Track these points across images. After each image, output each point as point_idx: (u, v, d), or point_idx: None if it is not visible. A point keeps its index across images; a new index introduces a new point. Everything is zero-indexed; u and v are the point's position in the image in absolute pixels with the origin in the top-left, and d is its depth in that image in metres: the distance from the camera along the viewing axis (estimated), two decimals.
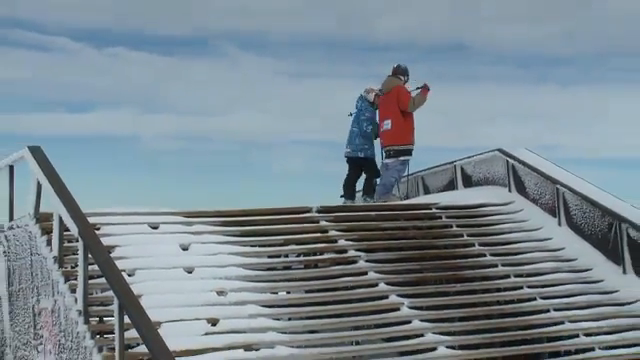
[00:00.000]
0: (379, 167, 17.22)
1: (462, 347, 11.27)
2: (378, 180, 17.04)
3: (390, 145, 16.48)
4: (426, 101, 16.68)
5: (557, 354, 11.51)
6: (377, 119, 17.08)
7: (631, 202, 13.75)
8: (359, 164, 17.03)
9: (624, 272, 13.17)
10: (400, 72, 16.93)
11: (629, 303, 12.63)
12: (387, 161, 16.55)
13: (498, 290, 12.72)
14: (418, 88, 16.65)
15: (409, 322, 11.59)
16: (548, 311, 12.25)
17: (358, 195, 17.81)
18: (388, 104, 16.58)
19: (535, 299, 12.51)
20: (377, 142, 17.18)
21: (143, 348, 9.35)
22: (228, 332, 10.75)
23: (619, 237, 13.31)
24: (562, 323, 12.02)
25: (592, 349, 11.57)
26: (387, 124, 16.46)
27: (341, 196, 17.21)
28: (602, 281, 13.11)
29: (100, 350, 10.01)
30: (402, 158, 16.57)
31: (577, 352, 11.54)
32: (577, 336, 11.79)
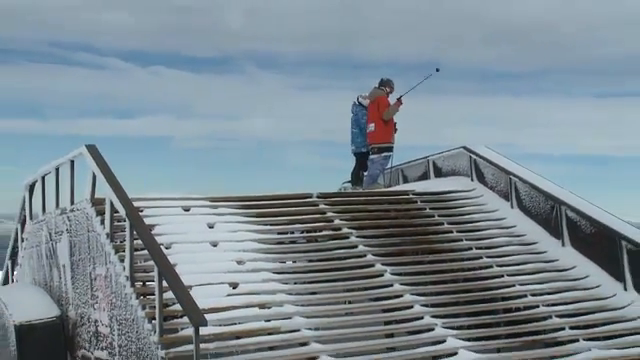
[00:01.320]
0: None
1: (433, 305, 11.33)
2: (366, 172, 17.03)
3: (374, 143, 16.50)
4: (398, 111, 16.70)
5: (509, 310, 11.53)
6: None
7: (569, 189, 13.78)
8: (363, 158, 17.04)
9: (563, 245, 13.21)
10: (383, 84, 16.91)
11: (566, 269, 12.70)
12: (372, 156, 16.57)
13: (462, 260, 12.74)
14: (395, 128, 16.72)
15: (391, 285, 11.67)
16: (502, 276, 12.30)
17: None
18: (372, 110, 16.58)
19: (492, 267, 12.56)
20: None
21: (177, 307, 9.43)
22: (246, 294, 10.85)
23: (559, 217, 13.35)
24: (513, 286, 12.07)
25: (537, 306, 11.58)
26: (371, 127, 16.48)
27: (348, 181, 17.19)
28: (545, 252, 13.16)
29: (143, 308, 10.09)
30: (384, 154, 16.59)
31: (525, 309, 11.55)
32: (525, 296, 11.82)
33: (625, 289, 12.06)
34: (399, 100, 16.70)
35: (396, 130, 16.69)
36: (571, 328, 11.17)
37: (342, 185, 17.14)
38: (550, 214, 13.61)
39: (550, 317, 11.38)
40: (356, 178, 16.99)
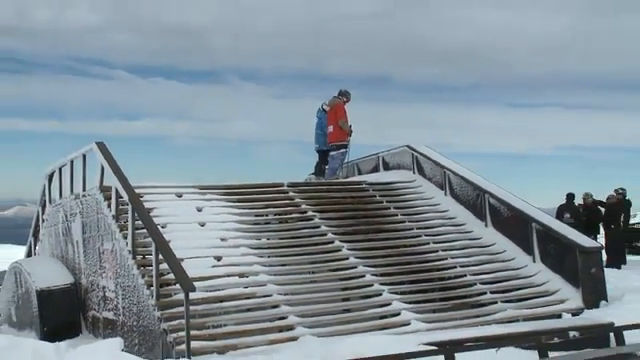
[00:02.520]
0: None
1: (382, 275, 11.39)
2: (327, 166, 17.02)
3: (333, 142, 16.46)
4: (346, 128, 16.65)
5: (443, 278, 11.61)
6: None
7: (492, 180, 13.88)
8: (325, 154, 17.00)
9: (486, 226, 13.28)
10: (342, 94, 16.84)
11: (488, 246, 12.80)
12: (332, 153, 16.52)
13: (405, 238, 12.79)
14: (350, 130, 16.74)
15: (347, 259, 11.74)
16: (437, 251, 12.39)
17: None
18: (331, 115, 16.51)
19: (429, 243, 12.63)
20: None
21: (171, 276, 9.50)
22: (228, 265, 10.92)
23: (483, 203, 13.43)
24: (446, 259, 12.16)
25: (464, 275, 11.70)
26: (330, 128, 16.41)
27: (313, 173, 17.15)
28: (472, 232, 13.26)
29: (143, 276, 10.15)
30: (341, 150, 16.56)
31: (456, 277, 11.66)
32: (455, 267, 11.94)
33: (534, 261, 12.21)
34: (350, 129, 16.67)
35: (351, 132, 16.66)
36: (491, 292, 11.31)
37: (308, 176, 17.10)
38: (476, 201, 13.69)
39: (475, 284, 11.50)
40: (319, 171, 16.99)
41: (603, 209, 17.91)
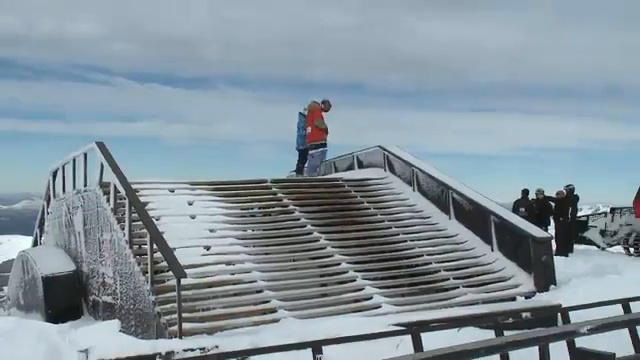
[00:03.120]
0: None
1: (356, 262, 11.38)
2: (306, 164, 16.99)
3: (312, 142, 16.41)
4: (323, 127, 16.57)
5: (411, 266, 11.66)
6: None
7: (457, 179, 13.92)
8: (304, 153, 16.93)
9: (450, 218, 13.33)
10: (323, 102, 16.70)
11: (452, 236, 12.84)
12: (312, 152, 16.46)
13: (377, 229, 12.81)
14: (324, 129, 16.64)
15: (324, 248, 11.76)
16: (406, 241, 12.42)
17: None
18: (309, 118, 16.46)
19: (399, 234, 12.66)
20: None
21: (164, 264, 9.40)
22: (216, 254, 10.89)
23: (447, 198, 13.47)
24: (414, 248, 12.21)
25: (430, 263, 11.75)
26: (308, 129, 16.31)
27: (294, 171, 17.11)
28: (437, 224, 13.29)
29: (139, 264, 10.07)
30: (320, 149, 16.51)
31: (422, 265, 11.71)
32: (422, 255, 11.98)
33: (492, 250, 12.28)
34: (326, 130, 16.56)
35: (327, 132, 16.59)
36: (454, 278, 11.36)
37: (289, 173, 17.08)
38: (441, 196, 13.73)
39: (439, 271, 11.55)
40: (299, 169, 16.96)
41: (553, 203, 18.02)
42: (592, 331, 5.40)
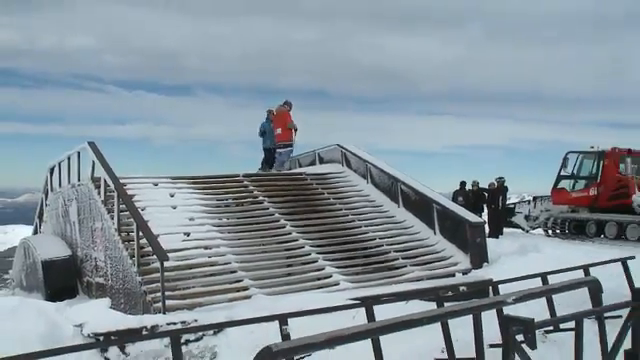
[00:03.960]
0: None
1: (317, 246, 11.39)
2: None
3: (280, 141, 16.36)
4: (294, 128, 16.50)
5: (365, 248, 11.68)
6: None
7: (406, 172, 13.99)
8: (270, 152, 16.82)
9: (399, 207, 13.39)
10: (286, 103, 16.69)
11: (400, 222, 12.93)
12: (279, 150, 16.42)
13: (336, 217, 12.82)
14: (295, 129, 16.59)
15: (290, 234, 11.73)
16: (360, 227, 12.45)
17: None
18: (278, 120, 16.39)
19: (354, 221, 12.69)
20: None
21: (149, 248, 9.32)
22: (195, 240, 10.82)
23: (397, 189, 13.54)
24: (367, 233, 12.25)
25: (382, 245, 11.80)
26: (278, 130, 16.24)
27: (260, 168, 17.00)
28: (388, 211, 13.34)
29: (127, 249, 10.01)
30: (287, 149, 16.47)
31: (375, 247, 11.75)
32: (375, 239, 12.03)
33: (435, 234, 12.38)
34: (294, 127, 16.47)
35: (296, 131, 16.54)
36: (402, 258, 11.43)
37: (259, 169, 16.99)
38: (391, 187, 13.79)
39: (390, 252, 11.61)
40: (265, 165, 16.84)
41: (486, 193, 18.20)
42: (517, 301, 5.44)
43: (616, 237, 15.14)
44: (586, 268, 8.97)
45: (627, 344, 5.98)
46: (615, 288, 8.00)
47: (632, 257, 9.74)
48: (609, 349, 5.88)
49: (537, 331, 5.16)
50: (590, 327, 5.80)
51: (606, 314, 6.32)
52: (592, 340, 5.87)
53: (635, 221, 14.82)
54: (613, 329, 6.11)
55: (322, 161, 16.97)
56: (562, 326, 6.75)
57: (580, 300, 6.47)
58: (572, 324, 5.59)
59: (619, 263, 9.56)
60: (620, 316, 6.24)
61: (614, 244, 14.40)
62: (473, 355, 5.22)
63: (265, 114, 17.05)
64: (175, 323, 7.62)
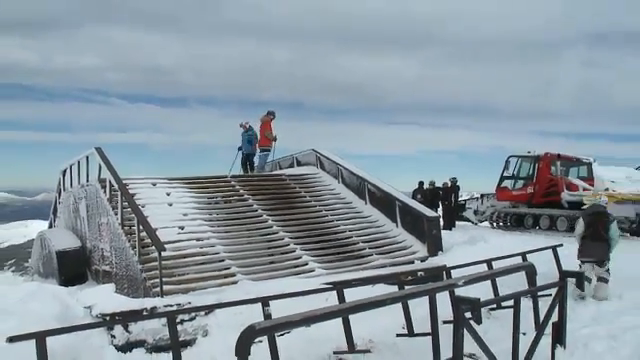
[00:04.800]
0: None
1: (296, 238, 11.34)
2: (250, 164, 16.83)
3: (261, 146, 16.28)
4: (274, 137, 16.44)
5: (337, 239, 11.63)
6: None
7: (374, 174, 13.99)
8: (249, 156, 16.69)
9: (366, 203, 13.40)
10: (269, 113, 16.60)
11: (367, 217, 12.92)
12: (260, 154, 16.34)
13: (311, 212, 12.78)
14: (275, 138, 16.48)
15: (272, 227, 11.67)
16: (333, 221, 12.43)
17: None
18: (262, 128, 16.32)
19: (328, 216, 12.66)
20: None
21: (149, 240, 9.22)
22: (188, 233, 10.71)
23: (364, 188, 13.55)
24: (339, 226, 12.22)
25: (351, 237, 11.78)
26: (268, 135, 16.17)
27: (245, 170, 16.85)
28: (356, 207, 13.34)
29: (129, 241, 9.88)
30: (265, 152, 16.38)
31: (345, 238, 11.72)
32: (345, 232, 12.00)
33: (397, 226, 12.43)
34: (275, 138, 16.45)
35: (276, 139, 16.47)
36: (369, 248, 11.45)
37: (238, 171, 16.82)
38: (359, 186, 13.79)
39: (358, 243, 11.61)
40: (245, 167, 16.67)
41: (441, 192, 18.29)
42: (466, 283, 5.48)
43: (548, 228, 15.33)
44: (524, 255, 9.08)
45: (555, 317, 6.12)
46: (547, 271, 8.13)
47: (560, 245, 9.93)
48: (541, 322, 6.00)
49: (483, 309, 5.22)
50: (526, 304, 5.90)
51: (539, 293, 6.45)
52: (528, 315, 5.98)
53: (564, 215, 15.02)
54: (545, 305, 6.24)
55: (299, 164, 16.92)
56: (504, 304, 6.85)
57: (518, 282, 6.55)
58: (512, 302, 5.67)
59: (550, 250, 9.73)
60: (550, 294, 6.37)
61: (547, 234, 14.58)
62: (429, 330, 5.26)
63: (240, 127, 16.83)
64: (172, 305, 7.60)
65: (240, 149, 16.82)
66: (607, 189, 14.13)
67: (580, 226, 9.02)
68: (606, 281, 8.52)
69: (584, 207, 12.42)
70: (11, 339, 5.14)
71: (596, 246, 8.72)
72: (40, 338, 5.21)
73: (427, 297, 5.40)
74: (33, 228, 22.49)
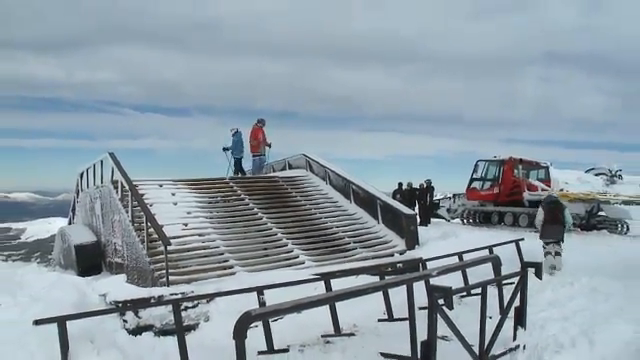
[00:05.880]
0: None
1: (288, 233, 11.27)
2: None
3: (253, 153, 16.03)
4: (268, 146, 16.13)
5: (325, 235, 11.58)
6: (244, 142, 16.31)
7: (357, 175, 13.97)
8: (239, 161, 16.43)
9: (351, 202, 13.34)
10: (259, 121, 16.22)
11: (352, 214, 12.86)
12: (254, 158, 16.11)
13: (302, 210, 12.69)
14: (269, 145, 16.18)
15: (266, 224, 11.57)
16: (321, 218, 12.37)
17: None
18: (254, 135, 16.10)
19: (316, 214, 12.59)
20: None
21: (156, 236, 9.14)
22: (191, 229, 10.63)
23: (349, 189, 13.49)
24: (326, 223, 12.16)
25: (337, 233, 11.72)
26: (254, 142, 15.93)
27: (236, 172, 16.60)
28: (342, 206, 13.26)
29: (139, 236, 9.78)
30: (259, 157, 16.01)
31: (332, 234, 11.68)
32: (332, 228, 11.95)
33: (378, 223, 12.40)
34: (269, 145, 16.11)
35: (270, 145, 16.29)
36: (353, 242, 11.41)
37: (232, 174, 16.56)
38: (345, 187, 13.75)
39: (344, 238, 11.57)
40: (237, 170, 16.37)
41: (418, 192, 18.35)
42: (439, 274, 5.51)
43: (512, 224, 15.45)
44: (490, 248, 9.14)
45: (517, 303, 6.17)
46: (510, 263, 8.20)
47: (522, 239, 10.07)
48: (505, 306, 6.05)
49: (454, 296, 5.26)
50: (492, 292, 5.94)
51: (504, 282, 6.50)
52: (493, 301, 6.02)
53: (525, 212, 15.14)
54: (508, 292, 6.29)
55: (291, 167, 16.85)
56: (473, 292, 6.89)
57: (485, 272, 6.59)
58: (480, 290, 5.70)
59: (513, 244, 9.82)
60: (513, 282, 6.43)
61: (511, 229, 14.68)
62: (407, 316, 5.28)
63: (230, 132, 16.47)
64: (176, 294, 7.57)
65: (225, 150, 16.42)
66: (562, 189, 14.26)
67: (540, 214, 9.85)
68: (560, 255, 9.58)
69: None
70: (37, 322, 5.36)
71: (555, 228, 9.65)
72: (61, 322, 5.42)
73: (405, 286, 5.42)
74: (55, 224, 22.28)
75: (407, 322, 5.18)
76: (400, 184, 18.75)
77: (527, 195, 15.32)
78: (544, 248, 9.67)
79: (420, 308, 5.37)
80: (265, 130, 16.18)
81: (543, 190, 14.85)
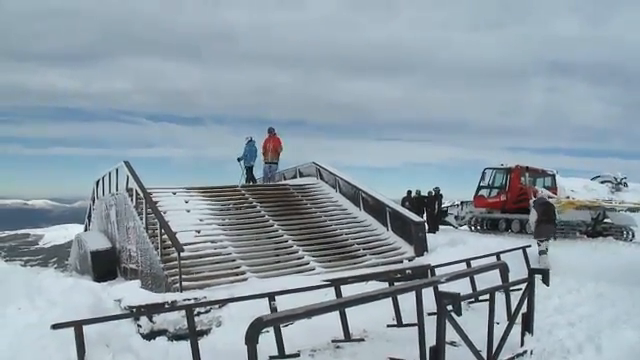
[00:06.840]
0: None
1: (299, 240, 11.27)
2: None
3: (268, 160, 16.06)
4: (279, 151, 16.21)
5: (335, 242, 11.56)
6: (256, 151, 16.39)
7: (366, 183, 13.92)
8: (250, 169, 16.47)
9: (360, 210, 13.32)
10: (270, 130, 16.42)
11: (362, 221, 12.84)
12: (264, 166, 16.17)
13: (312, 218, 12.71)
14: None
15: (277, 231, 11.60)
16: (331, 225, 12.37)
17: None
18: (266, 143, 16.19)
19: (326, 221, 12.59)
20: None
21: (169, 242, 9.15)
22: (204, 235, 10.66)
23: (359, 196, 13.48)
24: (336, 230, 12.15)
25: (347, 240, 11.69)
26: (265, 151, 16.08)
27: (247, 180, 16.65)
28: (352, 213, 13.25)
29: (153, 243, 9.84)
30: (273, 166, 16.11)
31: (342, 241, 11.66)
32: (342, 235, 11.93)
33: (388, 230, 12.36)
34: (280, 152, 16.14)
35: (282, 150, 16.28)
36: (363, 249, 11.39)
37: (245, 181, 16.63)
38: (354, 195, 13.74)
39: (353, 244, 11.55)
40: (249, 178, 16.42)
41: (426, 199, 18.28)
42: (448, 280, 5.50)
43: (519, 231, 15.33)
44: (498, 255, 9.09)
45: (524, 309, 6.13)
46: (518, 269, 8.15)
47: (529, 246, 10.02)
48: (512, 313, 6.02)
49: (462, 302, 5.24)
50: (500, 298, 5.92)
51: (511, 288, 6.47)
52: (501, 307, 5.99)
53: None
54: (515, 298, 6.26)
55: (301, 175, 16.88)
56: (480, 298, 6.84)
57: (493, 278, 6.56)
58: (487, 296, 5.68)
59: (521, 250, 9.76)
60: (520, 289, 6.39)
61: (517, 237, 14.56)
62: (416, 321, 5.26)
63: (245, 140, 16.56)
64: (189, 299, 7.59)
65: (239, 159, 16.45)
66: (568, 197, 14.15)
67: (533, 215, 10.43)
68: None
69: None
70: (54, 326, 5.44)
71: (549, 227, 10.34)
72: (78, 326, 5.51)
73: (414, 292, 5.41)
74: (72, 231, 22.51)
75: (416, 328, 5.16)
76: (409, 192, 18.69)
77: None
78: (539, 245, 9.97)
79: (429, 314, 5.35)
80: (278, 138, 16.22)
81: (550, 198, 14.76)
